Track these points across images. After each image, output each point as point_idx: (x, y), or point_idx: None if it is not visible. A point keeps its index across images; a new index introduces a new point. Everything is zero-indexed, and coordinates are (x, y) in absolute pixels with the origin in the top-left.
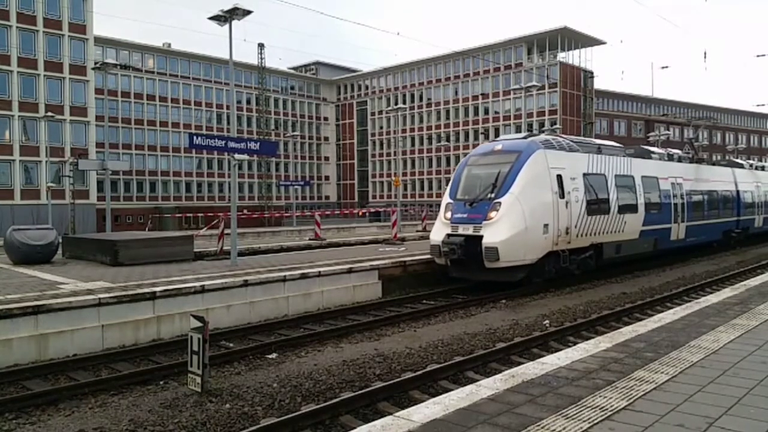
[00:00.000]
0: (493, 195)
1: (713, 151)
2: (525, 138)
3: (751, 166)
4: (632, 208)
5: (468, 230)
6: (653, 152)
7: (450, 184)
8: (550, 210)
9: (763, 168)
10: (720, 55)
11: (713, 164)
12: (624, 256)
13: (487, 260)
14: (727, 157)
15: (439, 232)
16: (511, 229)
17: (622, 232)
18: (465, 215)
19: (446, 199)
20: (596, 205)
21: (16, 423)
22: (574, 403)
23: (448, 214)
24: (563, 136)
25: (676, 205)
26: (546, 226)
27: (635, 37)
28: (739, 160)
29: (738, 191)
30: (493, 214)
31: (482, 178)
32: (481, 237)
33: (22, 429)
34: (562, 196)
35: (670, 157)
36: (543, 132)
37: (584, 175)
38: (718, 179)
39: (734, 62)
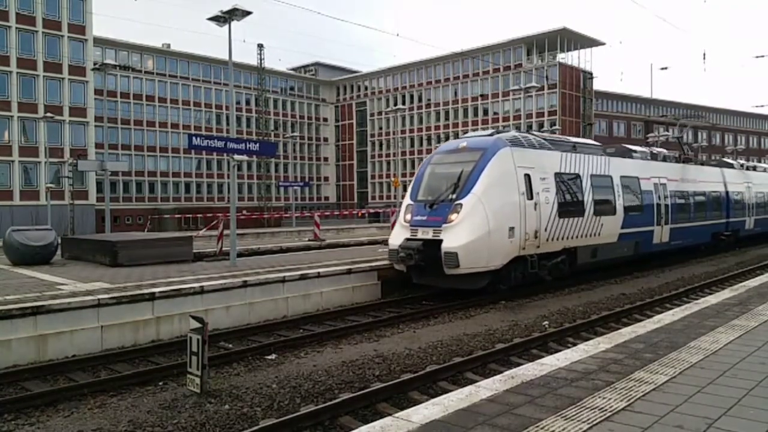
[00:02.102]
0: (454, 196)
1: (713, 153)
2: (491, 135)
3: (741, 166)
4: (610, 210)
5: (427, 234)
6: (635, 151)
7: (411, 184)
8: (516, 212)
9: (754, 168)
10: (719, 56)
11: (701, 164)
12: (601, 261)
13: (446, 266)
14: (726, 159)
15: (397, 235)
16: (472, 233)
17: (598, 235)
18: (425, 218)
19: (407, 200)
20: (569, 207)
21: (15, 424)
22: (573, 404)
23: (408, 216)
24: (534, 133)
25: (659, 206)
26: (512, 229)
27: (634, 38)
28: (729, 160)
29: (727, 192)
30: (453, 216)
31: (444, 178)
32: (441, 241)
33: (21, 430)
34: (530, 197)
35: (654, 157)
36: (542, 130)
37: (556, 174)
38: (706, 179)
39: (733, 63)
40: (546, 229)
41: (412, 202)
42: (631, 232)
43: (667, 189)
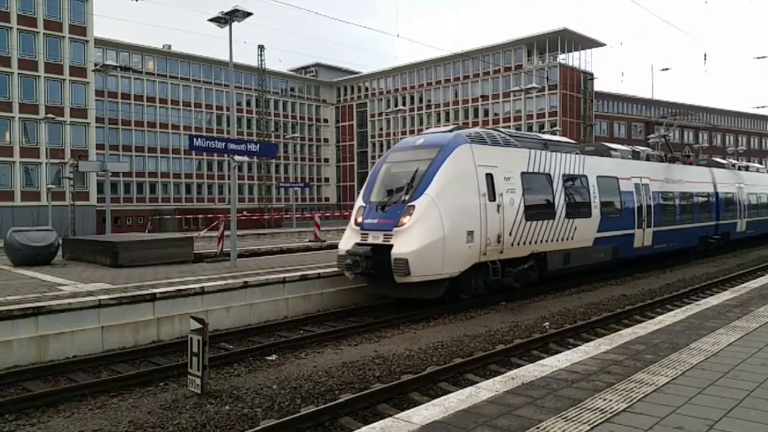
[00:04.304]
0: (407, 197)
1: (714, 153)
2: (451, 131)
3: (733, 165)
4: (584, 213)
5: (378, 238)
6: (614, 150)
7: (365, 184)
8: (476, 214)
9: (747, 168)
10: (720, 57)
11: (689, 163)
12: (575, 267)
13: (396, 274)
14: (718, 159)
15: (347, 240)
16: (425, 238)
17: (571, 239)
18: (376, 221)
19: (359, 201)
20: (537, 209)
21: (16, 424)
22: (573, 405)
23: (359, 219)
24: (501, 130)
25: (640, 208)
26: (470, 233)
27: (635, 39)
28: (720, 160)
29: (717, 193)
30: (405, 219)
31: (398, 178)
32: (392, 246)
33: (22, 430)
34: (492, 198)
35: (636, 155)
36: (542, 131)
37: (522, 174)
38: (694, 180)
39: (734, 64)
40: (511, 233)
41: (364, 204)
42: (608, 236)
43: (650, 190)
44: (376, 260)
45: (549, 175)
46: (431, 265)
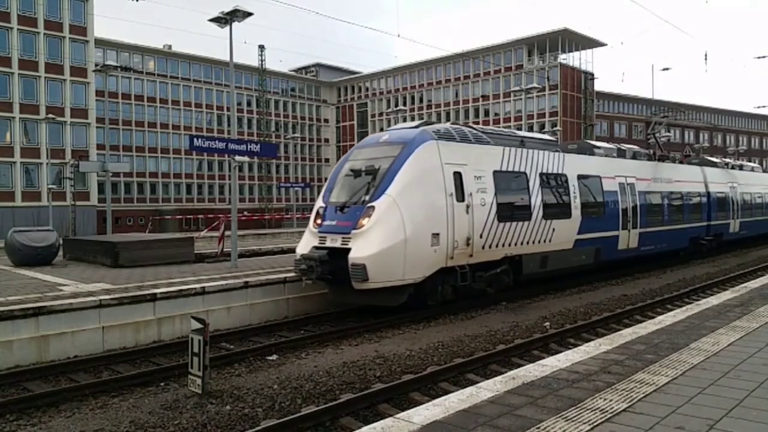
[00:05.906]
0: (367, 197)
1: (714, 153)
2: (417, 127)
3: (726, 164)
4: (563, 213)
5: (336, 242)
6: (597, 147)
7: (326, 183)
8: (442, 216)
9: (740, 167)
10: (720, 56)
11: (680, 162)
12: (553, 270)
13: (354, 280)
14: (725, 159)
15: (305, 244)
16: (384, 241)
17: (548, 241)
18: (334, 223)
19: (319, 202)
20: (512, 210)
21: (17, 424)
22: (574, 405)
23: (318, 221)
24: (473, 126)
25: (625, 209)
26: (436, 236)
27: (635, 39)
28: (713, 158)
29: (709, 193)
30: (364, 221)
31: (360, 176)
32: (350, 250)
33: (23, 430)
34: (461, 198)
35: (621, 154)
36: (543, 131)
37: (495, 173)
38: (684, 179)
39: (735, 64)
40: (482, 236)
41: (323, 205)
42: (590, 237)
43: (636, 189)
44: (334, 265)
45: (525, 173)
46: (391, 270)
